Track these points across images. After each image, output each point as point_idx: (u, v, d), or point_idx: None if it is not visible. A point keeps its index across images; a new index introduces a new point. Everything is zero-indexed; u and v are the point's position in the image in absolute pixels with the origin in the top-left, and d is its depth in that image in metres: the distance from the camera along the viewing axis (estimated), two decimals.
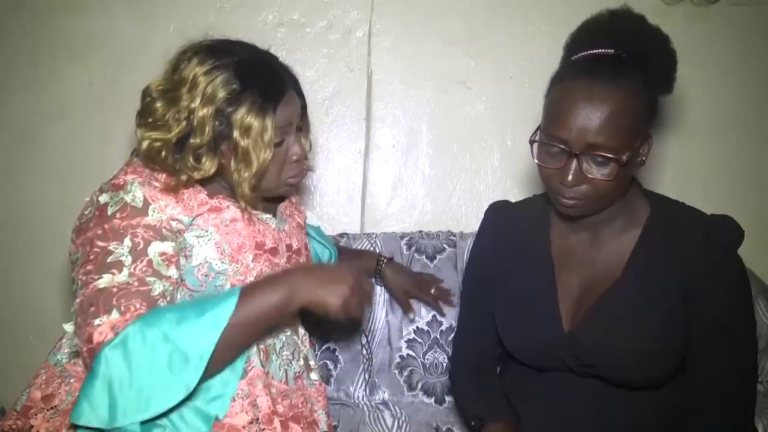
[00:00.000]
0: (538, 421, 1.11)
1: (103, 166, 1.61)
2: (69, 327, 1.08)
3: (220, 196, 1.07)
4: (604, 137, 0.94)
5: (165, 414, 0.92)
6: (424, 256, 1.54)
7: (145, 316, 0.90)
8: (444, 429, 1.35)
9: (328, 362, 1.48)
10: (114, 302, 0.91)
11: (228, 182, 1.07)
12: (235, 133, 1.00)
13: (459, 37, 1.66)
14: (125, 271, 0.94)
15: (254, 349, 1.05)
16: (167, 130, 1.00)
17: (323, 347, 1.48)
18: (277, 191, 1.12)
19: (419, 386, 1.48)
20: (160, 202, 1.00)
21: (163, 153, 1.01)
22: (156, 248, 0.97)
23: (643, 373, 1.05)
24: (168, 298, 0.98)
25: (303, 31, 1.66)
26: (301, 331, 1.23)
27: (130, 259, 0.95)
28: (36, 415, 1.01)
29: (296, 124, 1.09)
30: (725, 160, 1.68)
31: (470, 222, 1.68)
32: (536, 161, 1.03)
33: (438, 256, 1.54)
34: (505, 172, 1.69)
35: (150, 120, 1.02)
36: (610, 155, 0.95)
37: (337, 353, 1.49)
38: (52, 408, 1.02)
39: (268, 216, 1.14)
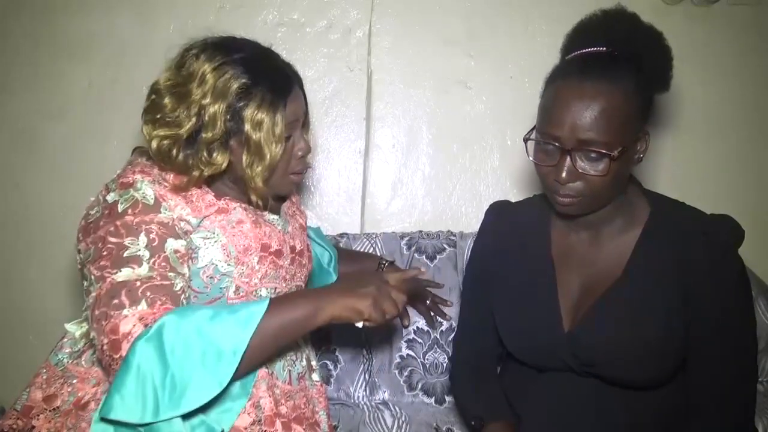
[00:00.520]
0: (538, 421, 1.11)
1: (103, 166, 1.61)
2: (70, 327, 1.08)
3: (227, 197, 1.07)
4: (595, 133, 0.95)
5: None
6: (424, 256, 1.54)
7: (178, 311, 0.90)
8: (444, 429, 1.35)
9: (328, 362, 1.48)
10: (140, 294, 0.91)
11: (236, 179, 1.07)
12: (247, 127, 1.00)
13: (459, 37, 1.66)
14: (145, 266, 0.93)
15: None
16: (177, 126, 1.00)
17: (323, 347, 1.48)
18: (281, 188, 1.12)
19: (419, 386, 1.48)
20: (170, 201, 1.00)
21: (174, 150, 1.01)
22: (171, 245, 0.97)
23: (643, 373, 1.05)
24: (186, 294, 0.98)
25: (303, 30, 1.66)
26: None
27: (147, 254, 0.94)
28: (38, 415, 1.01)
29: (302, 120, 1.10)
30: (725, 159, 1.68)
31: (470, 222, 1.68)
32: (531, 160, 1.05)
33: (438, 256, 1.54)
34: (505, 172, 1.69)
35: (158, 116, 1.01)
36: (602, 150, 0.96)
37: (337, 353, 1.49)
38: (54, 409, 1.01)
39: (275, 217, 1.14)
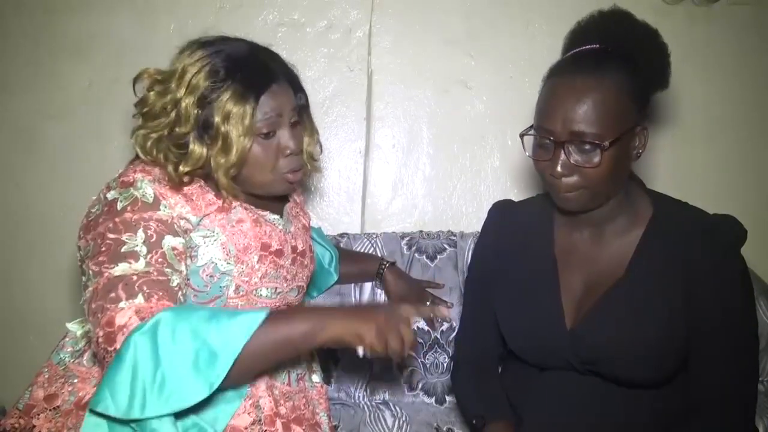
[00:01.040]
0: (539, 420, 1.11)
1: (103, 166, 1.61)
2: (72, 326, 1.08)
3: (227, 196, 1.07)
4: (586, 125, 0.97)
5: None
6: (424, 256, 1.54)
7: (176, 309, 0.89)
8: (444, 429, 1.35)
9: (329, 362, 1.47)
10: (136, 288, 0.91)
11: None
12: (216, 119, 1.00)
13: (459, 37, 1.66)
14: (142, 261, 0.94)
15: None
16: (158, 122, 1.01)
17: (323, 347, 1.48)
18: (274, 187, 1.10)
19: (420, 386, 1.48)
20: (170, 200, 1.00)
21: (156, 145, 1.02)
22: (169, 242, 0.97)
23: (644, 372, 1.05)
24: (184, 291, 0.97)
25: (303, 30, 1.66)
26: None
27: (145, 249, 0.95)
28: (38, 414, 1.01)
29: (289, 118, 1.07)
30: (725, 159, 1.68)
31: (471, 222, 1.68)
32: (528, 155, 1.07)
33: (438, 256, 1.54)
34: (505, 172, 1.69)
35: (145, 110, 1.03)
36: (594, 142, 0.97)
37: (337, 353, 1.49)
38: (54, 408, 1.02)
39: (276, 217, 1.14)
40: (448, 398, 1.47)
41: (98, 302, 0.91)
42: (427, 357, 1.47)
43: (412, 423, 1.37)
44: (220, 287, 1.04)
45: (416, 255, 1.54)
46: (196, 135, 1.01)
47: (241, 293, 1.05)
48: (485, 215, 1.30)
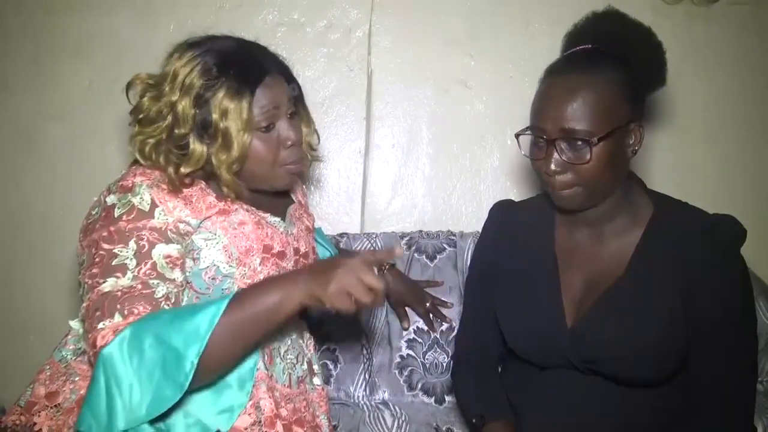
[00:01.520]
0: (539, 419, 1.11)
1: (103, 166, 1.61)
2: (75, 323, 1.08)
3: (228, 198, 1.07)
4: (576, 122, 0.99)
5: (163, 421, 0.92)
6: (424, 256, 1.54)
7: (140, 320, 0.90)
8: (444, 429, 1.35)
9: (328, 362, 1.48)
10: (117, 306, 0.91)
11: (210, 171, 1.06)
12: (215, 116, 1.00)
13: (459, 37, 1.66)
14: (129, 275, 0.94)
15: (258, 352, 1.05)
16: (155, 126, 1.01)
17: (323, 347, 1.48)
18: (275, 181, 1.10)
19: (419, 386, 1.48)
20: (168, 204, 1.00)
21: (155, 150, 1.02)
22: (161, 251, 0.97)
23: (644, 370, 1.05)
24: (172, 300, 0.97)
25: (303, 30, 1.66)
26: (307, 334, 1.23)
27: (134, 262, 0.95)
28: (39, 412, 1.02)
29: (286, 109, 1.07)
30: (725, 159, 1.68)
31: (470, 222, 1.68)
32: (524, 154, 1.09)
33: (438, 256, 1.54)
34: (505, 172, 1.69)
35: (141, 117, 1.03)
36: (583, 138, 0.99)
37: (337, 353, 1.49)
38: (55, 406, 1.02)
39: (277, 219, 1.13)
40: (447, 398, 1.47)
41: (88, 321, 0.93)
42: (426, 357, 1.48)
43: (412, 423, 1.37)
44: (222, 290, 1.03)
45: (416, 255, 1.54)
46: (196, 135, 1.01)
47: None
48: (485, 215, 1.30)
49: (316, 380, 1.21)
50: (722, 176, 1.68)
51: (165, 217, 0.99)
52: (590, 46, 1.07)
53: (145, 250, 0.96)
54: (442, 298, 1.49)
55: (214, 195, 1.06)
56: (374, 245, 1.55)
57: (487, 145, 1.69)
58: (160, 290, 0.95)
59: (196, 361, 0.87)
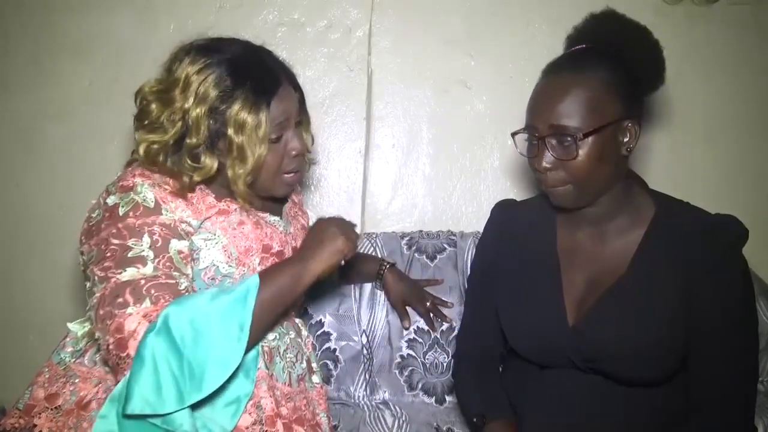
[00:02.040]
0: (540, 419, 1.11)
1: (103, 166, 1.61)
2: (73, 326, 1.08)
3: (228, 199, 1.07)
4: (564, 118, 1.01)
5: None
6: (424, 256, 1.54)
7: (176, 301, 0.91)
8: (444, 429, 1.35)
9: (328, 362, 1.48)
10: (144, 292, 0.91)
11: (227, 181, 1.07)
12: (230, 130, 1.00)
13: (459, 37, 1.66)
14: (150, 265, 0.94)
15: (258, 350, 1.05)
16: (164, 132, 1.00)
17: (323, 347, 1.48)
18: (275, 189, 1.11)
19: (420, 386, 1.48)
20: (171, 204, 1.00)
21: (161, 156, 1.01)
22: (175, 246, 0.98)
23: (645, 370, 1.05)
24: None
25: (303, 30, 1.66)
26: (305, 333, 1.23)
27: (152, 254, 0.95)
28: (39, 414, 1.01)
29: (294, 119, 1.08)
30: (725, 159, 1.68)
31: (470, 222, 1.68)
32: (520, 152, 1.12)
33: (438, 256, 1.54)
34: (505, 172, 1.69)
35: (146, 122, 1.02)
36: (570, 134, 1.00)
37: (337, 353, 1.49)
38: (55, 407, 1.01)
39: (276, 219, 1.14)
40: (447, 398, 1.47)
41: (106, 308, 0.91)
42: (427, 357, 1.48)
43: (412, 423, 1.37)
44: None
45: (416, 255, 1.54)
46: (207, 145, 1.01)
47: None
48: (485, 215, 1.31)
49: (315, 378, 1.21)
50: (722, 176, 1.68)
51: (171, 215, 0.99)
52: (584, 46, 1.08)
53: (160, 244, 0.96)
54: (443, 298, 1.49)
55: (213, 195, 1.06)
56: (374, 245, 1.55)
57: (487, 145, 1.69)
58: (183, 282, 0.96)
59: (247, 334, 0.92)
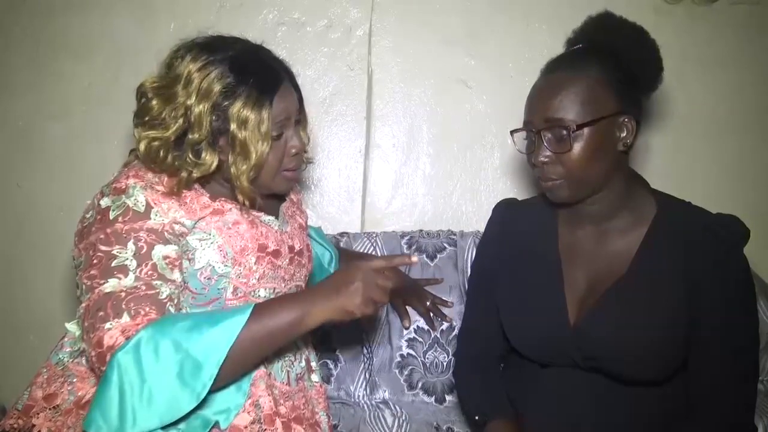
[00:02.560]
0: (541, 418, 1.11)
1: (103, 166, 1.61)
2: (71, 326, 1.08)
3: (222, 198, 1.07)
4: (559, 111, 1.03)
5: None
6: (424, 255, 1.54)
7: (156, 324, 0.90)
8: (444, 428, 1.35)
9: (328, 361, 1.48)
10: (123, 306, 0.91)
11: (227, 178, 1.07)
12: (233, 126, 1.00)
13: (459, 36, 1.66)
14: (131, 276, 0.94)
15: None
16: (165, 129, 1.00)
17: (323, 347, 1.48)
18: (276, 186, 1.11)
19: (420, 385, 1.48)
20: (163, 205, 0.99)
21: (162, 152, 1.01)
22: (159, 252, 0.97)
23: (645, 368, 1.06)
24: (175, 301, 0.98)
25: (303, 30, 1.66)
26: None
27: (134, 263, 0.95)
28: (38, 414, 1.01)
29: (294, 118, 1.09)
30: (725, 158, 1.68)
31: (471, 221, 1.68)
32: (518, 150, 1.14)
33: (438, 255, 1.54)
34: (505, 172, 1.69)
35: (147, 119, 1.01)
36: (565, 125, 1.02)
37: (337, 353, 1.49)
38: (54, 407, 1.02)
39: (271, 218, 1.14)
40: (447, 397, 1.47)
41: (90, 320, 0.92)
42: (426, 356, 1.48)
43: (412, 422, 1.37)
44: (218, 289, 1.04)
45: (416, 254, 1.54)
46: (209, 142, 1.01)
47: (239, 295, 1.05)
48: (485, 214, 1.31)
49: (315, 377, 1.21)
50: (722, 176, 1.68)
51: (161, 218, 0.99)
52: (580, 46, 1.10)
53: (144, 251, 0.96)
54: (443, 297, 1.49)
55: (208, 195, 1.06)
56: (374, 245, 1.55)
57: (488, 145, 1.69)
58: (164, 291, 0.95)
59: (215, 372, 0.88)
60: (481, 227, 1.32)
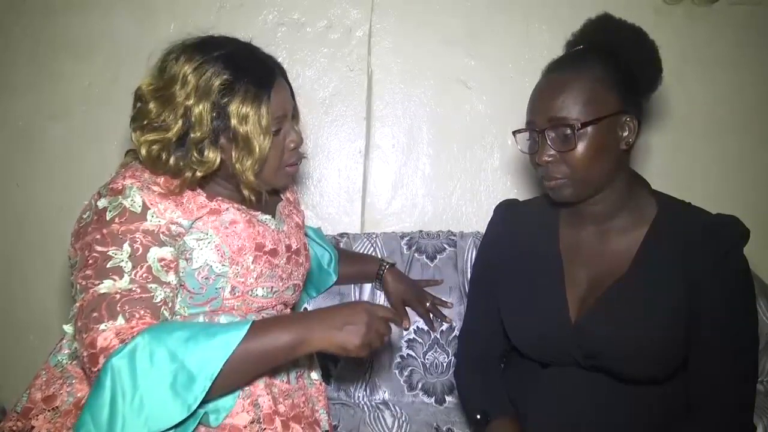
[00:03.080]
0: (542, 417, 1.12)
1: (103, 166, 1.61)
2: (69, 328, 1.08)
3: (219, 198, 1.07)
4: (562, 111, 1.04)
5: None
6: (424, 256, 1.54)
7: (153, 331, 0.90)
8: (444, 429, 1.35)
9: (328, 362, 1.48)
10: (118, 308, 0.91)
11: (228, 176, 1.07)
12: (234, 122, 1.00)
13: (459, 37, 1.66)
14: (126, 278, 0.94)
15: None
16: (165, 130, 1.00)
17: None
18: (276, 181, 1.12)
19: (419, 386, 1.48)
20: (159, 206, 0.99)
21: (164, 154, 1.01)
22: (155, 254, 0.97)
23: (646, 368, 1.06)
24: (169, 305, 0.98)
25: (303, 30, 1.66)
26: None
27: (130, 265, 0.95)
28: (37, 416, 1.01)
29: (290, 112, 1.10)
30: (725, 159, 1.68)
31: (470, 222, 1.68)
32: (521, 150, 1.14)
33: (438, 256, 1.54)
34: (505, 172, 1.69)
35: (145, 122, 1.01)
36: (568, 124, 1.03)
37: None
38: (53, 409, 1.02)
39: (267, 217, 1.14)
40: (447, 398, 1.47)
41: (83, 321, 0.92)
42: (426, 357, 1.47)
43: (412, 423, 1.37)
44: (216, 289, 1.04)
45: (416, 255, 1.54)
46: (210, 140, 1.01)
47: (236, 294, 1.05)
48: (485, 215, 1.31)
49: (314, 375, 1.21)
50: (722, 176, 1.68)
51: (157, 220, 0.99)
52: (581, 47, 1.12)
53: (139, 253, 0.96)
54: (443, 298, 1.49)
55: (205, 195, 1.06)
56: (374, 245, 1.55)
57: (488, 145, 1.69)
58: (159, 294, 0.95)
59: (208, 385, 0.88)
60: (481, 228, 1.32)
